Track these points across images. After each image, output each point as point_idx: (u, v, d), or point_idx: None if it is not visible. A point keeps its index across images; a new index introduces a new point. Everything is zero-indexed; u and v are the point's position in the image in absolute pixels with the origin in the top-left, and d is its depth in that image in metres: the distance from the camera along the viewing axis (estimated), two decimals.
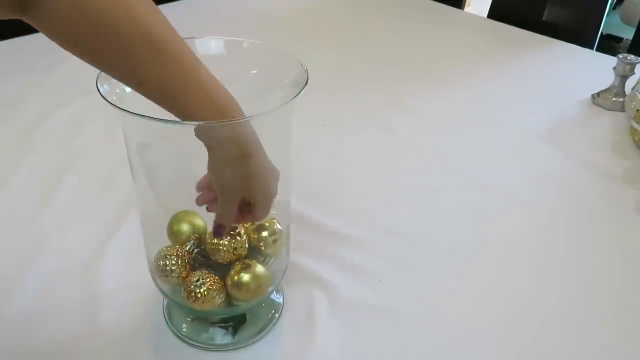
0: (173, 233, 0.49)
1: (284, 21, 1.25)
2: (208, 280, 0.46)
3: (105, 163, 0.74)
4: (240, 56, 0.48)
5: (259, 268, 0.48)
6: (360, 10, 1.34)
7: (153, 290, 0.50)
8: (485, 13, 1.36)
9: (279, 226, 0.50)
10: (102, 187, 0.69)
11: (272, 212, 0.46)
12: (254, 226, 0.50)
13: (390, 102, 0.93)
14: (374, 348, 0.50)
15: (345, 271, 0.58)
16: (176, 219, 0.49)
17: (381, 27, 1.25)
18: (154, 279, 0.50)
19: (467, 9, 1.44)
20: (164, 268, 0.47)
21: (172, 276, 0.47)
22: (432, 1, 1.37)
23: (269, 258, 0.51)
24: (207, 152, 0.43)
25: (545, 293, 0.57)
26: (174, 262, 0.47)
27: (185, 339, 0.50)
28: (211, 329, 0.51)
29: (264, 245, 0.50)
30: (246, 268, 0.47)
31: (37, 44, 1.02)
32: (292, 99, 0.41)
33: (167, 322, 0.52)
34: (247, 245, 0.48)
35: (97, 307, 0.53)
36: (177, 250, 0.47)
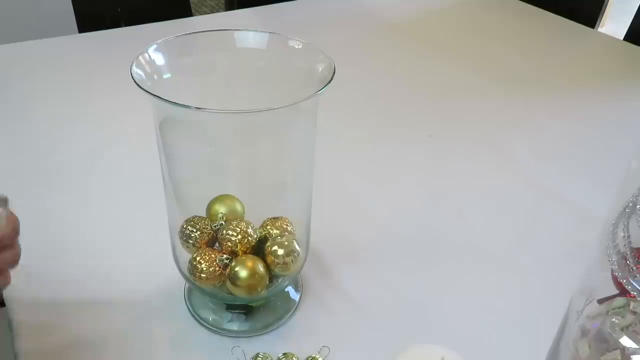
0: (210, 214, 0.51)
1: (400, 28, 1.25)
2: (209, 259, 0.48)
3: (137, 150, 0.75)
4: (276, 52, 0.49)
5: (259, 266, 0.48)
6: (481, 24, 1.29)
7: (176, 274, 0.52)
8: (621, 35, 1.25)
9: (297, 246, 0.50)
10: (133, 172, 0.72)
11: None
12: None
13: (506, 120, 0.89)
14: (385, 347, 0.50)
15: (362, 272, 0.58)
16: (215, 200, 0.51)
17: (503, 43, 1.19)
18: (176, 261, 0.52)
19: (600, 29, 1.33)
20: (185, 234, 0.49)
21: (191, 244, 0.49)
22: (563, 18, 1.29)
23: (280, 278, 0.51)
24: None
25: None
26: (195, 230, 0.49)
27: (202, 322, 0.52)
28: (228, 315, 0.52)
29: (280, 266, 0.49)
30: (244, 263, 0.48)
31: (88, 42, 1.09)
32: (315, 93, 0.42)
33: (187, 305, 0.54)
34: (254, 240, 0.49)
35: (119, 286, 0.56)
36: (203, 221, 0.49)
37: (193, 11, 1.24)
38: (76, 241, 0.61)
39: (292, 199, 0.53)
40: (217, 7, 2.89)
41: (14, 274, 0.42)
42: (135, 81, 0.41)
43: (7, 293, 0.54)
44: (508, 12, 1.33)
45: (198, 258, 0.48)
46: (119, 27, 1.14)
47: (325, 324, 0.53)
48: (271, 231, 0.51)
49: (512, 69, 1.07)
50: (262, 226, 0.52)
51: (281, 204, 0.53)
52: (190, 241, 0.49)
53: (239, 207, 0.51)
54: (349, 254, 0.61)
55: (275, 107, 0.39)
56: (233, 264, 0.48)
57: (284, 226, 0.51)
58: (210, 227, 0.50)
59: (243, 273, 0.47)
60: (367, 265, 0.60)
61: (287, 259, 0.48)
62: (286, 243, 0.49)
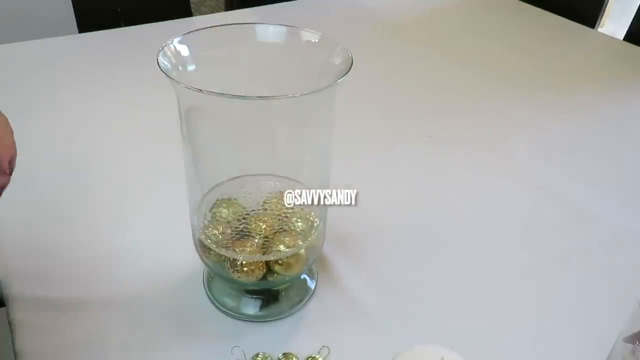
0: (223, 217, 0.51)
1: (400, 28, 1.25)
2: (250, 254, 0.48)
3: (139, 147, 0.78)
4: (295, 44, 0.50)
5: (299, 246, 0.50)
6: (481, 24, 1.30)
7: (195, 256, 0.53)
8: (621, 35, 1.25)
9: (314, 218, 0.52)
10: (134, 171, 0.73)
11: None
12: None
13: (506, 120, 0.89)
14: (386, 346, 0.49)
15: (362, 271, 0.59)
16: (221, 204, 0.52)
17: (503, 43, 1.19)
18: (196, 247, 0.52)
19: (600, 29, 1.33)
20: (209, 241, 0.49)
21: (211, 253, 0.50)
22: (563, 18, 1.29)
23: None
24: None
25: None
26: (213, 239, 0.49)
27: (219, 305, 0.53)
28: (244, 299, 0.54)
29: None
30: (287, 244, 0.50)
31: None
32: (334, 82, 0.42)
33: (204, 287, 0.54)
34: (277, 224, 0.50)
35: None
36: (218, 228, 0.50)
37: (193, 11, 1.24)
38: (83, 239, 0.62)
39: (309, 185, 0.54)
40: (217, 7, 2.90)
41: (15, 274, 0.42)
42: (163, 71, 0.43)
43: (7, 293, 0.54)
44: (508, 12, 1.33)
45: (234, 255, 0.49)
46: (119, 27, 1.14)
47: (332, 317, 0.54)
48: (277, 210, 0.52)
49: (512, 69, 1.07)
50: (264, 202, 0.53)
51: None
52: (212, 252, 0.50)
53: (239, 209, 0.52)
54: (348, 253, 0.61)
55: (297, 94, 0.41)
56: (274, 247, 0.49)
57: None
58: (230, 228, 0.51)
59: (287, 252, 0.49)
60: (367, 264, 0.60)
61: (307, 228, 0.51)
62: (306, 216, 0.52)
